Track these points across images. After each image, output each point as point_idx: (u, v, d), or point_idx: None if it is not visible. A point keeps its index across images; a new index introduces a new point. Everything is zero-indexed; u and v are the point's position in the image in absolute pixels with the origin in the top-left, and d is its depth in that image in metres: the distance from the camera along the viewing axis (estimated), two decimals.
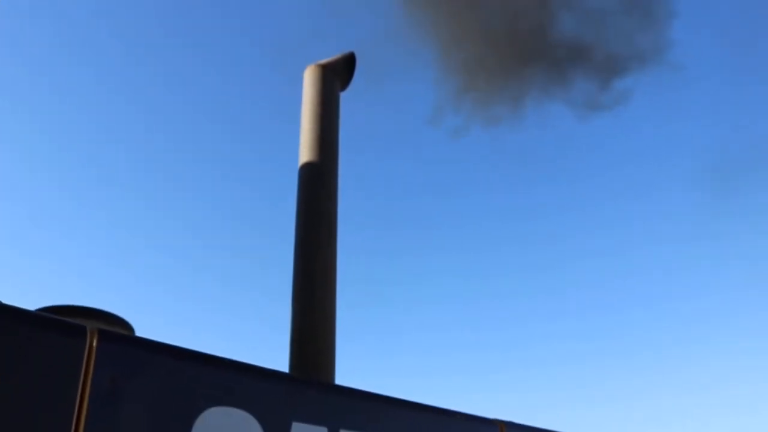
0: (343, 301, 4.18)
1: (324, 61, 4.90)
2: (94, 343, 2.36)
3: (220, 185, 16.24)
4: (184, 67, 15.62)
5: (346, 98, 5.39)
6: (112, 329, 2.80)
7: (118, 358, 2.42)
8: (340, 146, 4.66)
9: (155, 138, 15.67)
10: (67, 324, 2.34)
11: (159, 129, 15.73)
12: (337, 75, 4.89)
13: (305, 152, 4.46)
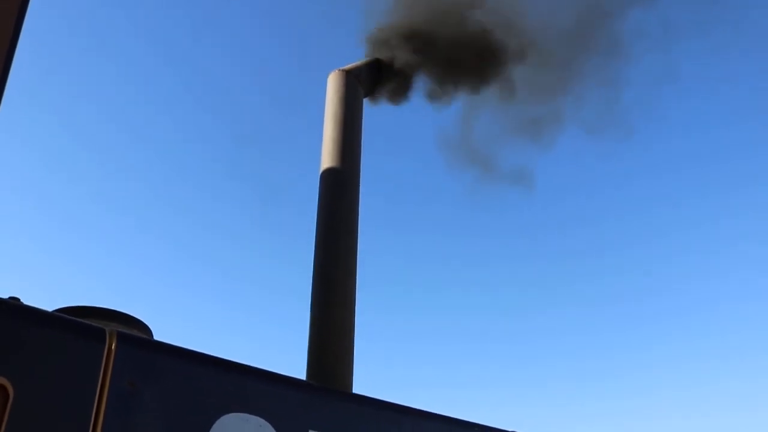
0: (364, 307, 4.16)
1: (348, 66, 4.89)
2: (113, 346, 2.36)
3: (241, 188, 16.29)
4: (206, 69, 15.71)
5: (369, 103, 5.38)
6: (131, 332, 2.80)
7: (137, 361, 2.42)
8: (363, 152, 4.64)
9: (177, 140, 15.77)
10: (86, 326, 2.33)
11: (183, 134, 15.82)
12: (360, 81, 4.87)
13: (327, 158, 4.44)
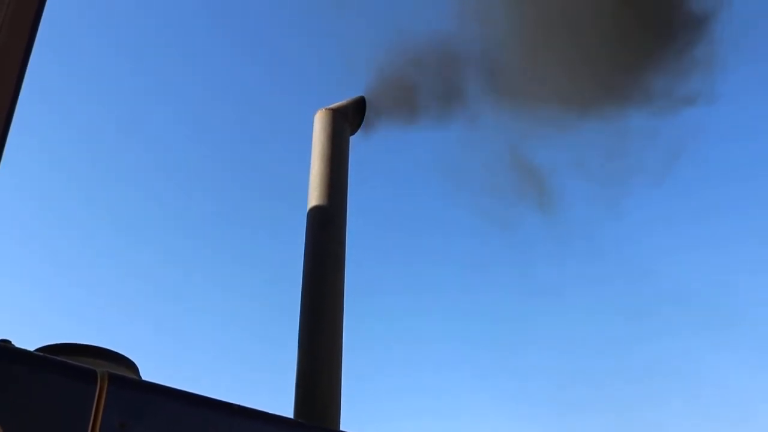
0: (353, 342, 4.17)
1: (334, 105, 4.97)
2: (104, 388, 2.36)
3: (225, 224, 16.21)
4: (192, 103, 15.77)
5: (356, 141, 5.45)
6: (120, 371, 2.80)
7: (128, 402, 2.42)
8: (349, 189, 4.70)
9: (156, 175, 15.73)
10: (78, 368, 2.34)
11: (171, 174, 15.76)
12: (347, 119, 4.95)
13: (314, 196, 4.50)
